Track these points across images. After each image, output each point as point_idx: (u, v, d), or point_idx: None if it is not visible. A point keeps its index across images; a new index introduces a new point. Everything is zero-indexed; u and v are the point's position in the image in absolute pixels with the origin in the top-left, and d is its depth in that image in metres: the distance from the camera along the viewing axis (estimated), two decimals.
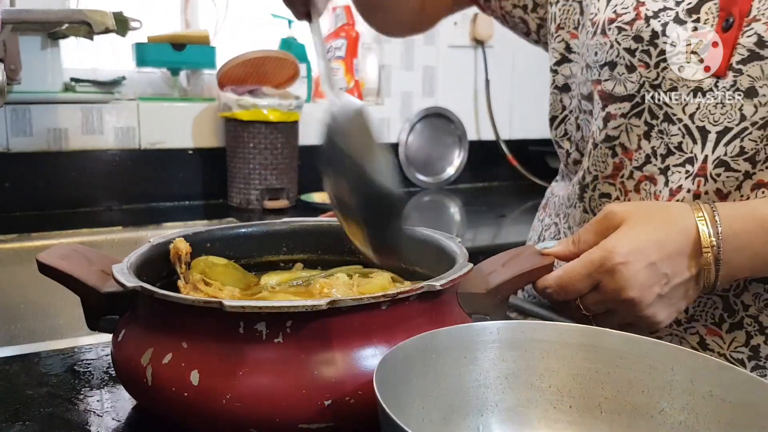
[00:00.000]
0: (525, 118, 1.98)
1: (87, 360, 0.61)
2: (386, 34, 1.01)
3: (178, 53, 1.51)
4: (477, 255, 0.59)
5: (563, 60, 0.76)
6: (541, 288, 0.58)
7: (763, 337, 0.65)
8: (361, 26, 1.80)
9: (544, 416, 0.47)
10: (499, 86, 1.92)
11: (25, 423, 0.49)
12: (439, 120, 1.89)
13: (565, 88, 0.78)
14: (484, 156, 1.94)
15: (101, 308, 0.53)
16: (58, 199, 1.43)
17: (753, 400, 0.41)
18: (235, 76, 1.49)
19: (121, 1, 1.44)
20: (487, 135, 1.94)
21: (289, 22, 1.66)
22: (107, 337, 0.54)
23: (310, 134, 1.68)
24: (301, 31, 1.71)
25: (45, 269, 0.54)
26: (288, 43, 1.64)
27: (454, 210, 1.72)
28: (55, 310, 1.17)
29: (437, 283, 0.48)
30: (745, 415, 0.41)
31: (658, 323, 0.58)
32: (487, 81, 1.90)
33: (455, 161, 1.91)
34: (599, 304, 0.57)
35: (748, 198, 0.62)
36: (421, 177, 1.87)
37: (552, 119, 0.80)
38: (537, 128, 1.94)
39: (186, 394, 0.44)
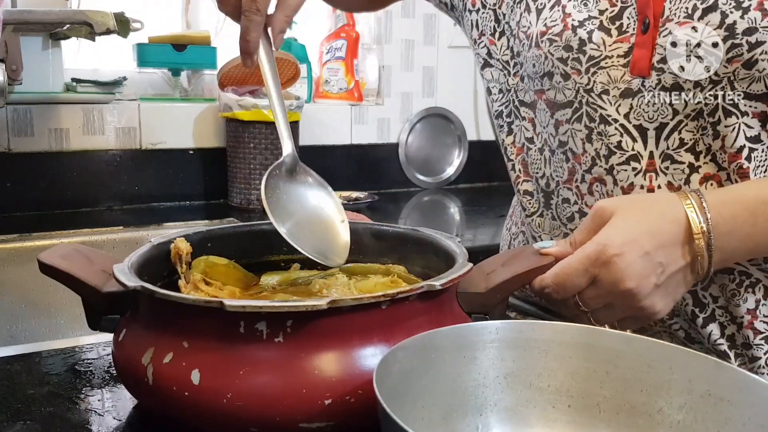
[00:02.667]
0: None
1: (88, 359, 0.61)
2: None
3: (179, 54, 1.51)
4: (477, 255, 0.59)
5: (486, 65, 0.78)
6: (539, 288, 0.58)
7: (735, 326, 0.66)
8: (362, 27, 1.80)
9: (542, 415, 0.47)
10: None
11: (26, 422, 0.50)
12: (438, 120, 1.89)
13: (488, 92, 0.80)
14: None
15: (102, 308, 0.53)
16: (60, 199, 1.43)
17: (750, 399, 0.41)
18: (236, 76, 1.49)
19: (122, 1, 1.44)
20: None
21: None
22: (108, 337, 0.54)
23: (311, 134, 1.68)
24: (301, 32, 1.71)
25: (46, 269, 0.54)
26: (288, 44, 1.64)
27: (454, 210, 1.72)
28: (56, 310, 1.17)
29: (437, 282, 0.48)
30: (742, 414, 0.41)
31: (656, 313, 0.58)
32: None
33: (455, 161, 1.91)
34: (597, 298, 0.57)
35: None
36: (421, 177, 1.87)
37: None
38: None
39: (187, 393, 0.44)
